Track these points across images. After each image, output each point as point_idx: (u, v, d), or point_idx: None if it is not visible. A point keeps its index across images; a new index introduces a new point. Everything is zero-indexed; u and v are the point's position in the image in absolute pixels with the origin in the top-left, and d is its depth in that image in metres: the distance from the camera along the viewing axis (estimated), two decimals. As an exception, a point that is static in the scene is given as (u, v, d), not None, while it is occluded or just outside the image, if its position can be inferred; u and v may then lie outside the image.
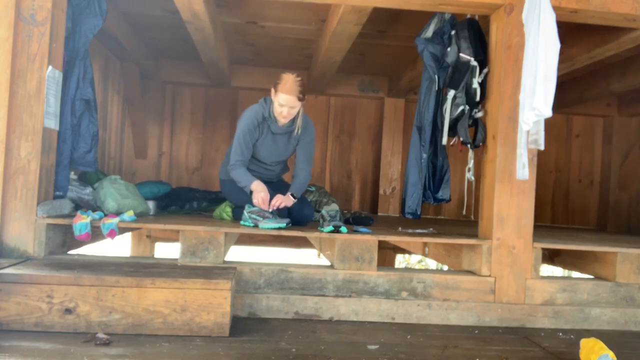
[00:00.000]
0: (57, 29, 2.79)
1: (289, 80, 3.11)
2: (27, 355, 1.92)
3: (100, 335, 2.12)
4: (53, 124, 2.81)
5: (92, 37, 3.07)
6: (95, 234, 2.82)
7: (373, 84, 6.14)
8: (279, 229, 2.89)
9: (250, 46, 5.11)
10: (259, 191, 3.11)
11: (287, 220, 2.97)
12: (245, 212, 3.06)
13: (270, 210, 3.04)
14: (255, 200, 3.08)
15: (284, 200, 3.14)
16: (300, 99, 3.13)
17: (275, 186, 3.39)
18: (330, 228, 2.86)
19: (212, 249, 2.75)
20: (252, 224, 2.99)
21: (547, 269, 6.68)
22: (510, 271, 2.87)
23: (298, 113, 3.25)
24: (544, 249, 3.16)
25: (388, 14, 3.91)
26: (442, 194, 3.16)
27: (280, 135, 3.32)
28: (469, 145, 3.09)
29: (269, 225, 2.90)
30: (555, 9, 2.63)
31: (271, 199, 3.10)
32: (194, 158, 6.26)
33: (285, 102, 3.11)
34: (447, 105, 3.11)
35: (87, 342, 2.08)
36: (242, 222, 3.07)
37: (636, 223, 5.98)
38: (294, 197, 3.22)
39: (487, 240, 2.90)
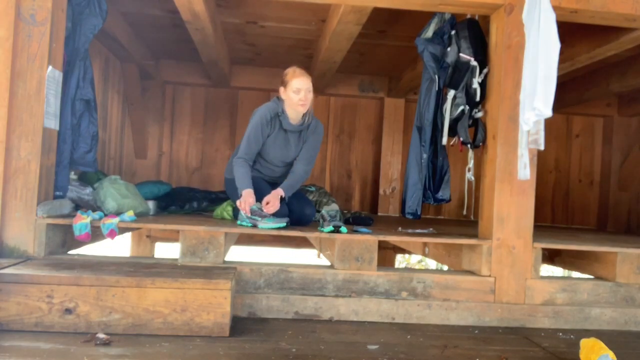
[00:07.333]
0: (57, 29, 2.79)
1: (292, 68, 3.22)
2: (27, 355, 1.92)
3: (100, 335, 2.12)
4: (53, 124, 2.81)
5: (92, 37, 3.08)
6: (95, 234, 2.82)
7: (373, 84, 6.14)
8: (278, 228, 2.89)
9: (250, 46, 5.11)
10: (244, 197, 3.03)
11: (286, 219, 2.97)
12: (242, 212, 3.04)
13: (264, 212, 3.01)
14: (237, 202, 3.05)
15: (273, 201, 3.03)
16: (311, 80, 3.23)
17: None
18: (330, 228, 2.86)
19: (212, 249, 2.75)
20: (250, 224, 2.98)
21: (547, 269, 6.68)
22: (510, 271, 2.87)
23: (307, 111, 3.27)
24: (544, 249, 3.16)
25: (388, 14, 3.91)
26: (442, 194, 3.16)
27: (291, 133, 3.33)
28: (469, 145, 3.09)
29: (267, 225, 2.90)
30: (555, 9, 2.63)
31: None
32: (194, 158, 6.26)
33: (301, 86, 3.16)
34: (447, 105, 3.11)
35: (87, 342, 2.08)
36: (239, 222, 3.06)
37: (636, 223, 5.98)
38: (282, 198, 3.15)
39: (487, 240, 2.90)
